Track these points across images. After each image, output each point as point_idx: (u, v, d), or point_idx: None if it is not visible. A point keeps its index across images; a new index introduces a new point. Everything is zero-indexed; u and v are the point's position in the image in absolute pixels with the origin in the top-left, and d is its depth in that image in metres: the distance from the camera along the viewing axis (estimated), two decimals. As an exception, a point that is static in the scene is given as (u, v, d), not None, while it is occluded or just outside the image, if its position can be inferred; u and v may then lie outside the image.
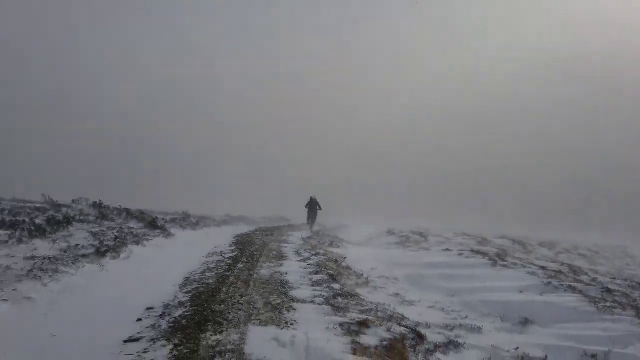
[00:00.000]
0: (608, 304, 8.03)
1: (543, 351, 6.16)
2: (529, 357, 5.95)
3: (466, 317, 7.97)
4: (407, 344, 5.58)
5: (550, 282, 9.57)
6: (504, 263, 12.05)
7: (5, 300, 6.01)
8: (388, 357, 4.89)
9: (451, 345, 6.20)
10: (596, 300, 8.23)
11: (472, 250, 14.37)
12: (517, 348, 6.23)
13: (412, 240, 18.63)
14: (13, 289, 6.40)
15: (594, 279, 10.91)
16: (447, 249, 15.20)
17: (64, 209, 14.85)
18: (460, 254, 13.66)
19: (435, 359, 5.56)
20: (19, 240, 9.24)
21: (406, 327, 6.35)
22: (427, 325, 7.02)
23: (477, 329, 7.18)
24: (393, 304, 8.20)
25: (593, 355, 5.93)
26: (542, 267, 11.69)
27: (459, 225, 30.35)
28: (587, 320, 7.43)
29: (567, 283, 9.61)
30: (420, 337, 6.05)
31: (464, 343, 6.34)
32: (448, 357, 5.81)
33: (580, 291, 8.94)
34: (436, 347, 5.97)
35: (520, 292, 9.25)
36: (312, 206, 22.13)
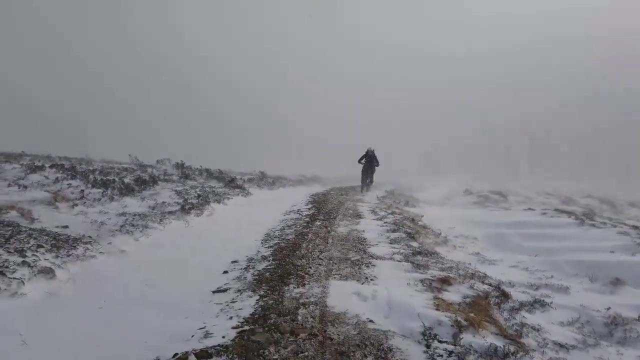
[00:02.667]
0: None
1: (637, 311, 5.80)
2: (622, 317, 5.61)
3: (552, 277, 7.64)
4: (491, 302, 5.44)
5: (645, 242, 8.94)
6: (592, 222, 11.38)
7: (102, 252, 6.46)
8: (472, 313, 4.79)
9: (537, 304, 5.97)
10: (698, 261, 7.60)
11: (557, 210, 13.69)
12: (608, 308, 5.90)
13: (492, 200, 18.03)
14: (108, 243, 6.86)
15: (696, 240, 10.06)
16: (530, 209, 14.59)
17: (149, 169, 15.65)
18: (544, 214, 13.05)
19: (521, 317, 5.37)
20: (111, 198, 9.84)
21: (490, 285, 6.18)
22: (511, 284, 6.81)
23: (564, 289, 6.86)
24: (474, 263, 8.02)
25: (698, 318, 5.51)
26: (635, 227, 10.92)
27: (538, 185, 28.94)
28: (688, 281, 6.90)
29: (664, 243, 8.93)
30: (504, 295, 5.87)
31: (551, 302, 6.09)
32: (534, 316, 5.60)
33: (679, 252, 8.28)
34: (522, 305, 5.77)
35: (611, 252, 8.71)
36: (369, 161, 18.19)
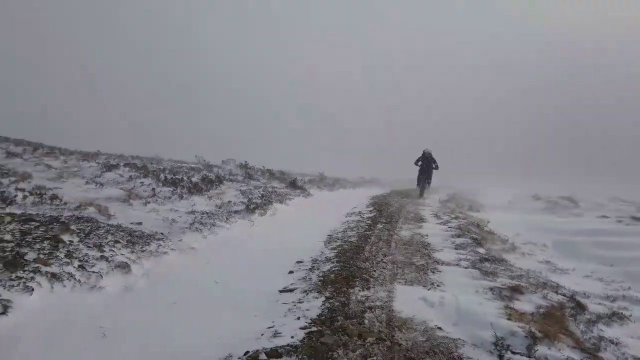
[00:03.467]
0: None
1: None
2: None
3: (629, 288, 7.20)
4: (566, 313, 5.19)
5: None
6: (674, 232, 10.65)
7: (173, 249, 6.68)
8: (547, 324, 4.59)
9: (615, 317, 5.64)
10: None
11: (633, 217, 12.91)
12: (697, 325, 5.50)
13: (561, 205, 17.27)
14: (179, 240, 7.10)
15: None
16: (604, 216, 13.85)
17: (215, 169, 16.12)
18: (620, 221, 12.35)
19: (599, 330, 5.10)
20: (180, 197, 10.20)
21: (564, 295, 5.91)
22: (586, 295, 6.48)
23: (645, 303, 6.46)
24: (544, 272, 7.69)
25: None
26: None
27: (607, 191, 27.38)
28: None
29: None
30: (580, 306, 5.58)
31: (630, 315, 5.74)
32: (612, 330, 5.30)
33: None
34: (599, 318, 5.47)
35: (697, 264, 8.12)
36: (426, 163, 17.13)
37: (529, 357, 3.89)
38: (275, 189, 14.05)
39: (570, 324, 4.98)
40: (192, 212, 9.05)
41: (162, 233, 7.19)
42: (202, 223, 8.27)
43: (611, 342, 4.90)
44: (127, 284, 5.20)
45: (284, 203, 12.08)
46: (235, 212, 9.73)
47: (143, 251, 6.14)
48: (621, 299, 6.60)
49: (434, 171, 17.36)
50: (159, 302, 4.83)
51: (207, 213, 9.16)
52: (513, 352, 3.95)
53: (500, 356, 3.88)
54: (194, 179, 12.37)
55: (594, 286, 7.34)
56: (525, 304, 5.16)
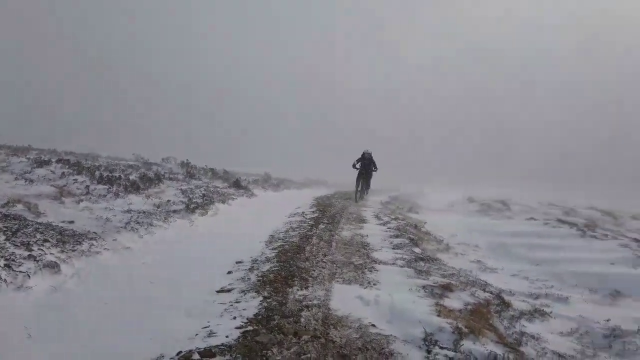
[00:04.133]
0: None
1: (636, 324, 5.84)
2: (621, 329, 5.66)
3: (552, 287, 7.68)
4: (491, 310, 5.49)
5: (646, 256, 8.98)
6: (594, 234, 11.41)
7: (107, 249, 6.53)
8: (473, 320, 4.84)
9: (537, 313, 6.01)
10: (699, 276, 7.62)
11: (559, 220, 13.72)
12: (608, 320, 5.94)
13: (495, 208, 18.04)
14: (113, 239, 6.94)
15: (697, 255, 10.09)
16: (532, 218, 14.62)
17: (154, 167, 15.77)
18: (547, 224, 13.09)
19: (521, 326, 5.42)
20: (116, 195, 9.94)
21: (490, 293, 6.24)
22: (512, 293, 6.85)
23: (564, 300, 6.90)
24: (475, 271, 8.06)
25: (696, 332, 5.54)
26: (636, 240, 10.95)
27: (540, 195, 28.86)
28: (688, 296, 6.94)
29: (666, 257, 8.97)
30: (505, 303, 5.92)
31: (550, 312, 6.13)
32: (534, 325, 5.65)
33: (681, 266, 8.32)
34: (521, 314, 5.82)
35: (612, 264, 8.74)
36: (366, 165, 16.23)
37: (455, 351, 4.09)
38: (218, 189, 13.92)
39: (495, 320, 5.28)
40: (129, 211, 8.84)
41: (95, 232, 7.00)
42: (138, 222, 8.10)
43: (532, 337, 5.23)
44: (56, 284, 5.05)
45: (226, 203, 11.99)
46: (175, 211, 9.58)
47: (74, 250, 5.97)
48: (544, 296, 7.02)
49: (373, 173, 16.53)
50: (89, 302, 4.73)
51: (144, 212, 8.97)
52: (440, 347, 4.15)
53: (429, 351, 4.06)
54: (131, 177, 12.06)
55: (520, 285, 7.77)
56: (455, 301, 5.41)
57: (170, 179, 13.58)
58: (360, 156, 16.34)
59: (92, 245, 6.39)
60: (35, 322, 4.04)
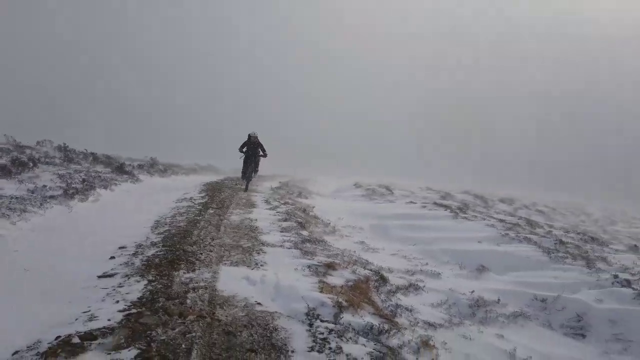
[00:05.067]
0: (560, 254, 8.54)
1: (497, 295, 6.60)
2: (484, 299, 6.37)
3: (427, 264, 8.36)
4: (371, 285, 5.90)
5: (507, 234, 10.08)
6: (465, 216, 12.55)
7: (-27, 236, 6.02)
8: (353, 295, 5.18)
9: (411, 288, 6.56)
10: (550, 251, 8.73)
11: (435, 204, 14.86)
12: (472, 292, 6.65)
13: (378, 193, 19.03)
14: (-18, 227, 6.40)
15: (549, 232, 11.52)
16: (412, 202, 15.66)
17: (28, 151, 14.55)
18: (424, 207, 14.12)
19: (397, 299, 5.89)
20: (-16, 180, 9.10)
21: (370, 270, 6.68)
22: (390, 270, 7.37)
23: (437, 275, 7.57)
24: (358, 251, 8.53)
25: (543, 300, 6.39)
26: (501, 220, 12.24)
27: (425, 181, 30.92)
28: (540, 268, 7.92)
29: (524, 235, 10.14)
30: (383, 279, 6.38)
31: (424, 286, 6.72)
32: (408, 299, 6.16)
33: (535, 242, 9.46)
34: (398, 289, 6.31)
35: (479, 242, 9.71)
36: (253, 150, 14.38)
37: (335, 324, 4.38)
38: (100, 174, 13.20)
39: (373, 295, 5.69)
40: (-1, 196, 8.15)
41: (-41, 219, 6.40)
42: (10, 208, 7.51)
43: (406, 309, 5.71)
44: None
45: (109, 189, 11.44)
46: (51, 197, 8.98)
47: None
48: (419, 272, 7.65)
49: (262, 159, 14.73)
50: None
51: (17, 198, 8.32)
52: (322, 321, 4.41)
53: (310, 324, 4.30)
54: (1, 161, 11.07)
55: (399, 262, 8.37)
56: (337, 279, 5.73)
57: (47, 163, 12.65)
58: (246, 140, 14.47)
59: (-45, 232, 5.85)
60: None
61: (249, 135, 14.44)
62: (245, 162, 14.53)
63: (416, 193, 21.37)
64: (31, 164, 11.48)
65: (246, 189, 14.69)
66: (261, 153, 14.55)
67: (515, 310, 6.26)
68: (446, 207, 14.11)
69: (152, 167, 18.86)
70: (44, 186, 9.72)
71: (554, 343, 5.62)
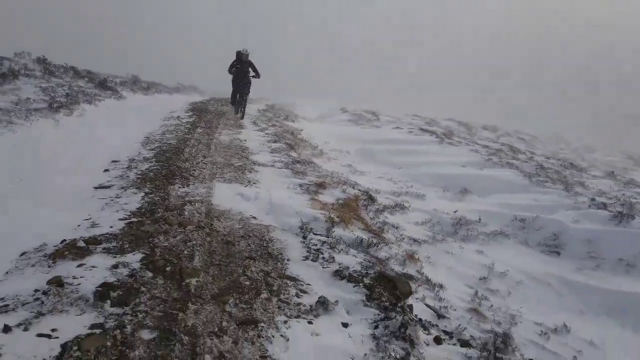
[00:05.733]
0: (541, 178, 8.86)
1: (478, 215, 6.90)
2: (466, 219, 6.68)
3: (412, 186, 8.62)
4: (359, 204, 6.11)
5: (490, 159, 10.35)
6: (450, 141, 12.75)
7: (-38, 147, 5.98)
8: (343, 212, 5.38)
9: (398, 207, 6.82)
10: (531, 175, 9.04)
11: (421, 129, 15.01)
12: (455, 211, 6.95)
13: (365, 118, 19.03)
14: (-31, 137, 6.34)
15: (530, 158, 11.84)
16: (398, 127, 15.76)
17: (6, 62, 14.03)
18: (410, 132, 14.26)
19: (384, 217, 6.15)
20: (-36, 91, 8.85)
21: (359, 190, 6.88)
22: (377, 191, 7.60)
23: (421, 196, 7.84)
24: (346, 173, 8.72)
25: (522, 220, 6.73)
26: (485, 146, 12.49)
27: (413, 109, 30.81)
28: (521, 191, 8.25)
29: (506, 160, 10.43)
30: (371, 198, 6.60)
31: (409, 206, 6.98)
32: (394, 217, 6.43)
33: (517, 167, 9.75)
34: (385, 208, 6.56)
35: (463, 166, 9.98)
36: (242, 69, 12.37)
37: (327, 237, 4.58)
38: (82, 89, 12.88)
39: (362, 213, 5.90)
40: (-18, 108, 7.98)
41: (-55, 129, 6.32)
42: (-4, 120, 7.40)
43: (393, 226, 5.97)
44: None
45: (93, 104, 11.22)
46: (36, 109, 8.82)
47: None
48: (405, 194, 7.90)
49: (253, 80, 12.74)
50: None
51: (1, 109, 8.16)
52: (315, 234, 4.61)
53: (304, 237, 4.50)
54: (-20, 72, 10.71)
55: (385, 185, 8.61)
56: (328, 197, 5.91)
57: (27, 75, 12.25)
58: (235, 59, 12.42)
59: (-57, 142, 5.80)
60: None
61: (239, 53, 12.36)
62: (234, 84, 12.76)
63: (402, 119, 21.41)
64: (11, 76, 11.14)
65: (237, 113, 13.19)
66: (252, 73, 12.53)
67: (495, 229, 6.60)
68: (431, 132, 14.28)
69: (134, 84, 18.39)
70: (28, 98, 9.50)
71: (531, 260, 6.01)
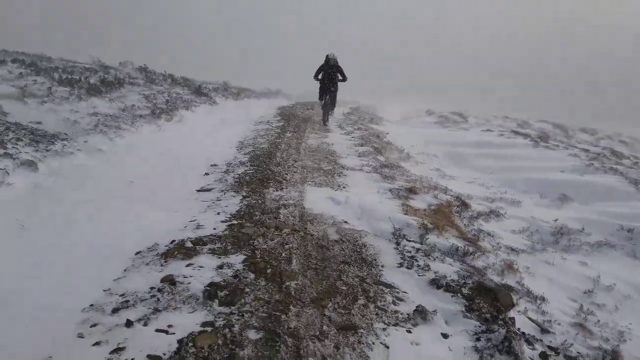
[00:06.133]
0: (649, 186, 8.19)
1: (580, 224, 6.51)
2: (567, 227, 6.31)
3: (505, 192, 8.29)
4: (452, 210, 5.97)
5: (592, 164, 9.71)
6: (546, 145, 12.11)
7: (80, 150, 6.51)
8: (436, 219, 5.29)
9: (492, 214, 6.58)
10: (637, 182, 8.37)
11: (514, 132, 14.38)
12: (556, 220, 6.59)
13: (452, 120, 18.57)
14: (85, 141, 6.90)
15: (635, 163, 10.99)
16: (488, 130, 15.22)
17: (112, 71, 15.19)
18: (501, 135, 13.72)
19: (479, 225, 5.96)
20: (79, 98, 9.68)
21: (451, 196, 6.72)
22: (469, 197, 7.38)
23: (517, 203, 7.52)
24: (435, 178, 8.55)
25: (630, 230, 6.25)
26: (585, 150, 11.73)
27: (495, 110, 29.65)
28: (626, 199, 7.66)
29: (609, 165, 9.74)
30: (464, 205, 6.43)
31: (505, 213, 6.72)
32: (489, 224, 6.21)
33: (621, 173, 9.07)
34: (479, 214, 6.36)
35: (562, 172, 9.44)
36: (330, 74, 11.97)
37: (422, 244, 4.53)
38: (180, 95, 13.66)
39: (456, 219, 5.76)
40: (95, 114, 8.70)
41: (65, 133, 6.95)
42: (106, 125, 8.03)
43: (488, 234, 5.78)
44: (35, 181, 5.12)
45: (190, 110, 11.87)
46: (140, 116, 9.48)
47: (48, 150, 5.98)
48: (499, 200, 7.62)
49: (340, 84, 12.30)
50: (73, 198, 4.85)
51: (110, 116, 8.85)
52: (408, 240, 4.57)
53: (397, 243, 4.47)
54: (91, 80, 11.68)
55: (477, 190, 8.34)
56: (419, 202, 5.83)
57: (131, 83, 13.19)
58: (322, 63, 12.09)
59: (65, 145, 6.37)
60: (26, 215, 4.17)
61: (327, 57, 12.00)
62: (321, 90, 12.20)
63: (491, 121, 20.69)
64: (117, 84, 12.04)
65: (324, 122, 12.58)
66: (340, 78, 12.07)
67: (599, 239, 6.20)
68: (525, 135, 13.65)
69: (225, 90, 19.21)
70: (133, 105, 10.23)
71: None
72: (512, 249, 5.45)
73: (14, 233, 3.82)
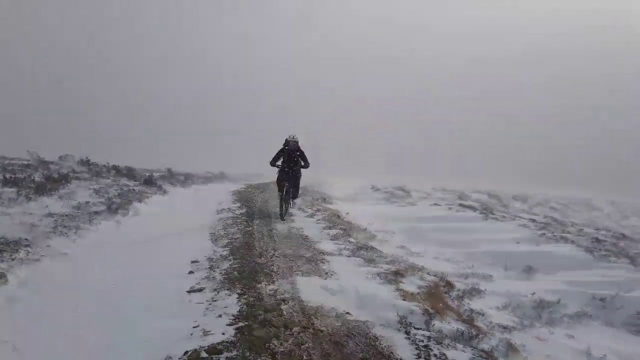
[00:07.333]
0: (602, 252, 8.72)
1: (555, 296, 6.75)
2: (546, 301, 6.54)
3: (473, 266, 8.52)
4: (441, 291, 6.05)
5: (543, 234, 10.26)
6: (494, 216, 12.71)
7: (44, 255, 6.16)
8: (433, 302, 5.33)
9: (474, 291, 6.72)
10: (590, 249, 8.91)
11: (461, 205, 15.00)
12: (533, 293, 6.81)
13: (397, 195, 19.16)
14: (47, 245, 6.56)
15: (580, 230, 11.70)
16: (436, 204, 15.78)
17: (52, 166, 14.62)
18: (450, 208, 14.26)
19: (467, 304, 6.05)
20: (28, 198, 9.19)
21: (434, 276, 6.83)
22: (444, 275, 7.52)
23: (488, 277, 7.74)
24: (404, 256, 8.67)
25: (602, 299, 6.56)
26: (532, 220, 12.41)
27: (434, 180, 30.97)
28: (586, 267, 8.10)
29: (559, 234, 10.32)
30: (449, 284, 6.54)
31: (485, 290, 6.88)
32: (474, 302, 6.32)
33: (572, 241, 9.63)
34: (464, 293, 6.48)
35: (518, 243, 9.89)
36: (291, 160, 10.36)
37: (429, 331, 4.52)
38: (130, 187, 13.30)
39: (448, 300, 5.83)
40: (50, 214, 8.27)
41: (26, 239, 6.55)
42: (65, 226, 7.68)
43: (479, 313, 5.88)
44: (7, 295, 4.76)
45: (143, 202, 11.54)
46: (96, 212, 9.10)
47: (13, 259, 5.67)
48: (471, 276, 7.81)
49: (303, 172, 10.77)
50: (56, 311, 4.52)
51: (66, 215, 8.44)
52: (415, 328, 4.55)
53: (407, 332, 4.44)
54: (36, 178, 11.17)
55: (445, 266, 8.52)
56: (409, 285, 5.88)
57: (77, 178, 12.73)
58: (282, 147, 10.42)
59: (29, 252, 6.02)
60: (13, 335, 3.81)
61: (287, 140, 10.37)
62: (280, 178, 10.39)
63: (432, 194, 21.53)
64: (63, 180, 11.58)
65: (283, 217, 10.32)
66: (302, 164, 10.57)
67: (577, 310, 6.44)
68: (473, 208, 14.28)
69: (171, 177, 18.94)
70: (87, 202, 9.83)
71: (622, 341, 5.80)
72: (504, 327, 5.56)
73: (5, 355, 3.47)
